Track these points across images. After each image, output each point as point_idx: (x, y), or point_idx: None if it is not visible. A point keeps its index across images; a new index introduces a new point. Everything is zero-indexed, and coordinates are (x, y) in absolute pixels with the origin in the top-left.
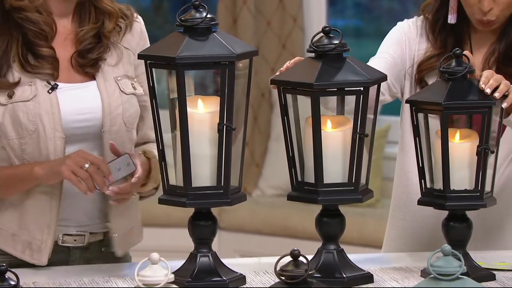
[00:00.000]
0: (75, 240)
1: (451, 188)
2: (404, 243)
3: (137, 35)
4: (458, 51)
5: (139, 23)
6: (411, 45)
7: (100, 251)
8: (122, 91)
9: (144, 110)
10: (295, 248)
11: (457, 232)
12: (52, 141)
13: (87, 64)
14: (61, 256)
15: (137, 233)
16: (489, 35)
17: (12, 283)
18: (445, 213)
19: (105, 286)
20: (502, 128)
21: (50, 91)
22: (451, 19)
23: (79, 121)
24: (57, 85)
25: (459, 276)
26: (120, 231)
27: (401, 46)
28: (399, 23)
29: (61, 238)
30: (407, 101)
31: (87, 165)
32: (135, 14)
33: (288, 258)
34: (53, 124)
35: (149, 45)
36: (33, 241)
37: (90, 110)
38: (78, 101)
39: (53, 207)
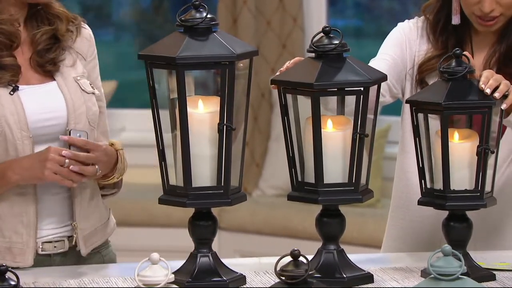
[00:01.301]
0: (55, 246)
1: (451, 188)
2: (404, 243)
3: (87, 41)
4: (458, 51)
5: (87, 29)
6: (412, 46)
7: (79, 255)
8: (83, 90)
9: (99, 115)
10: (295, 248)
11: (457, 232)
12: (20, 141)
13: (46, 63)
14: (42, 264)
15: (101, 233)
16: (489, 36)
17: (12, 283)
18: (445, 213)
19: (105, 286)
20: (502, 129)
21: (11, 92)
22: (455, 20)
23: (44, 120)
24: (18, 86)
25: (459, 276)
26: (84, 231)
27: (401, 47)
28: (399, 24)
29: (40, 247)
30: (407, 101)
31: (67, 161)
32: (82, 22)
33: (288, 258)
34: (19, 124)
35: (96, 51)
36: (11, 246)
37: (54, 109)
38: (41, 101)
39: (30, 206)
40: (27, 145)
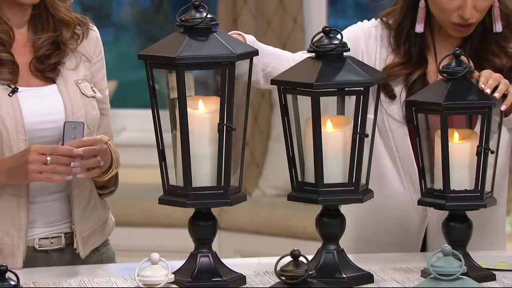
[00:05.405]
0: (51, 242)
1: (451, 188)
2: (364, 242)
3: (93, 43)
4: (458, 51)
5: (95, 31)
6: (369, 46)
7: (75, 253)
8: (83, 93)
9: (101, 117)
10: (295, 248)
11: (457, 232)
12: (16, 143)
13: (46, 69)
14: (39, 260)
15: (100, 234)
16: (451, 41)
17: (12, 283)
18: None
19: (105, 286)
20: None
21: (10, 94)
22: (419, 28)
23: (42, 123)
24: (17, 88)
25: (459, 276)
26: (83, 234)
27: (355, 42)
28: (359, 23)
29: (38, 243)
30: (407, 101)
31: (49, 159)
32: (90, 24)
33: (288, 258)
34: (15, 126)
35: (103, 53)
36: (2, 247)
37: (53, 112)
38: (40, 103)
39: (21, 208)
40: (22, 148)
